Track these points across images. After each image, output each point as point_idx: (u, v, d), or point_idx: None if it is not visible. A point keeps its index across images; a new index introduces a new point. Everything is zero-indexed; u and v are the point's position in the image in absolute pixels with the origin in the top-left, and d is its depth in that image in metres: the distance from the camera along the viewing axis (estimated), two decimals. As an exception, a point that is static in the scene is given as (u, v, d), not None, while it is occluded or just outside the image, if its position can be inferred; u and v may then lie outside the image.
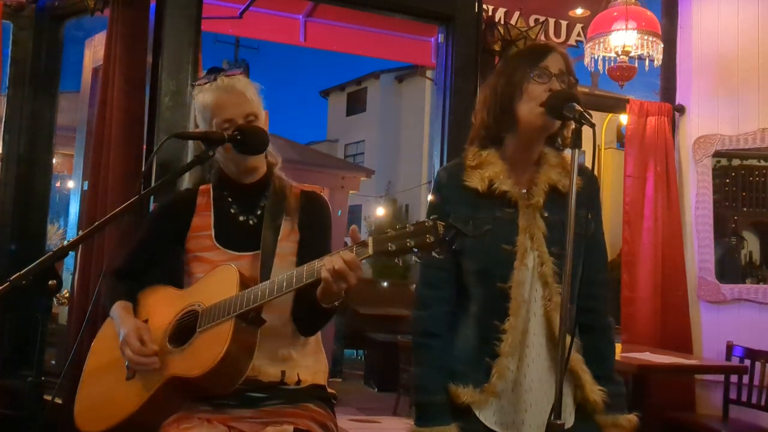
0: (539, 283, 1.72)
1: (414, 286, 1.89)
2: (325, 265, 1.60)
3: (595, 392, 1.73)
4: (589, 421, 1.76)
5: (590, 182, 1.80)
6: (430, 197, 1.89)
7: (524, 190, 1.77)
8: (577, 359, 1.74)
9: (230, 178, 1.97)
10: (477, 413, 1.71)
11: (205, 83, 1.93)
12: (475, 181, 1.76)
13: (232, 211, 1.96)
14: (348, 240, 1.72)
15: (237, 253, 1.90)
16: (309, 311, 1.81)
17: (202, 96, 1.92)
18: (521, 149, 1.79)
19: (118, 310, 1.90)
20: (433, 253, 1.54)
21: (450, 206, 1.77)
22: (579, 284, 1.70)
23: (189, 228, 1.95)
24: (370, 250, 1.56)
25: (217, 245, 1.91)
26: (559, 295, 1.69)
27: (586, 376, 1.74)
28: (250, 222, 1.94)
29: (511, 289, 1.70)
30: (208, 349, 1.70)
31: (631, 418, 1.77)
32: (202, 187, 2.02)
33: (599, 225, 1.86)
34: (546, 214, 1.74)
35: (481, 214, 1.75)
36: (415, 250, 1.52)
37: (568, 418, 1.75)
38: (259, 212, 1.95)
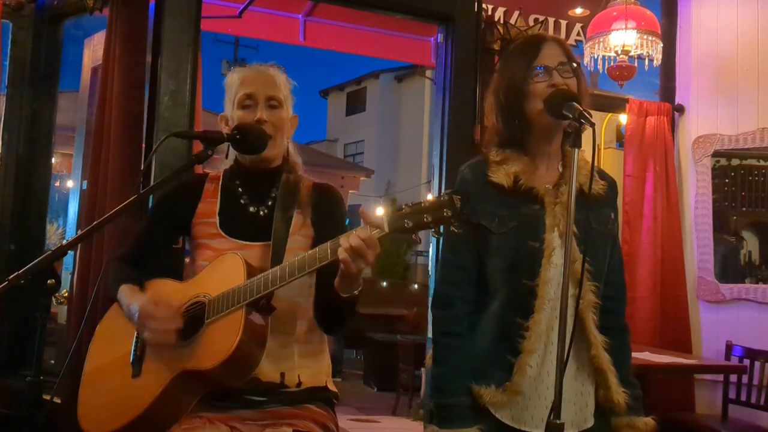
0: (570, 281, 1.69)
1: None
2: (341, 245, 1.57)
3: (619, 393, 1.74)
4: (607, 423, 1.76)
5: (612, 186, 1.85)
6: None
7: (549, 185, 1.76)
8: (605, 359, 1.74)
9: (244, 165, 1.95)
10: (494, 411, 1.70)
11: (241, 67, 1.95)
12: (501, 176, 1.74)
13: (242, 201, 1.93)
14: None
15: (244, 242, 1.86)
16: (330, 306, 1.77)
17: (232, 76, 1.93)
18: (540, 144, 1.79)
19: (126, 290, 1.85)
20: (452, 228, 1.52)
21: (475, 203, 1.75)
22: (604, 285, 1.74)
23: (194, 214, 1.93)
24: (386, 228, 1.53)
25: (222, 233, 1.88)
26: (592, 293, 1.70)
27: (613, 377, 1.74)
28: (261, 213, 1.91)
29: (538, 287, 1.69)
30: (220, 340, 1.67)
31: (648, 421, 1.77)
32: (212, 174, 2.00)
33: (619, 228, 1.88)
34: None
35: (507, 211, 1.73)
36: (433, 225, 1.50)
37: (589, 418, 1.75)
38: (270, 203, 1.92)
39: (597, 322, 1.74)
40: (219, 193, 1.95)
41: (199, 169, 3.25)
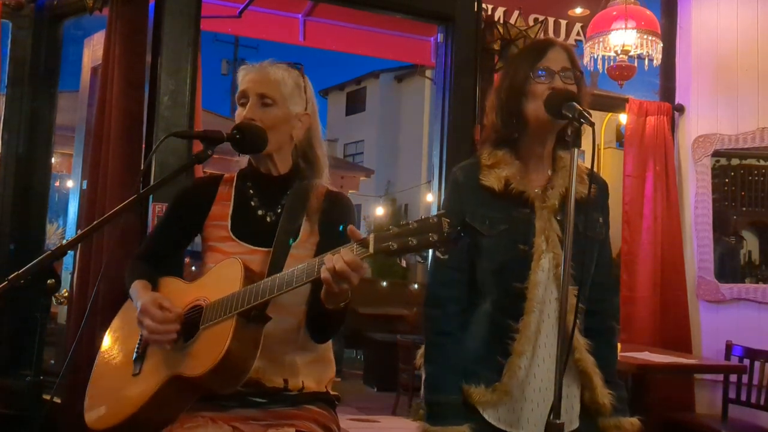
0: (554, 285, 1.73)
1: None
2: (325, 265, 1.55)
3: (605, 395, 1.75)
4: (593, 424, 1.77)
5: (602, 189, 1.86)
6: (445, 197, 1.86)
7: (538, 190, 1.78)
8: (589, 361, 1.75)
9: (255, 167, 1.94)
10: (481, 411, 1.72)
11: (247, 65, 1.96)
12: (492, 180, 1.76)
13: (252, 203, 1.93)
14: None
15: (252, 247, 1.86)
16: (318, 316, 1.77)
17: (238, 74, 1.94)
18: (534, 147, 1.80)
19: (137, 287, 1.86)
20: (437, 253, 1.51)
21: (466, 206, 1.77)
22: (589, 287, 1.75)
23: (207, 216, 1.93)
24: (371, 249, 1.50)
25: (233, 237, 1.88)
26: (575, 296, 1.70)
27: (598, 379, 1.75)
28: (268, 219, 1.90)
29: (527, 289, 1.71)
30: (210, 348, 1.67)
31: (634, 422, 1.78)
32: (226, 175, 2.00)
33: (607, 230, 1.88)
34: (559, 218, 1.75)
35: (497, 214, 1.75)
36: (418, 248, 1.47)
37: (575, 420, 1.76)
38: (279, 209, 1.91)
39: (580, 326, 1.75)
40: (232, 196, 1.95)
41: (199, 169, 3.26)
